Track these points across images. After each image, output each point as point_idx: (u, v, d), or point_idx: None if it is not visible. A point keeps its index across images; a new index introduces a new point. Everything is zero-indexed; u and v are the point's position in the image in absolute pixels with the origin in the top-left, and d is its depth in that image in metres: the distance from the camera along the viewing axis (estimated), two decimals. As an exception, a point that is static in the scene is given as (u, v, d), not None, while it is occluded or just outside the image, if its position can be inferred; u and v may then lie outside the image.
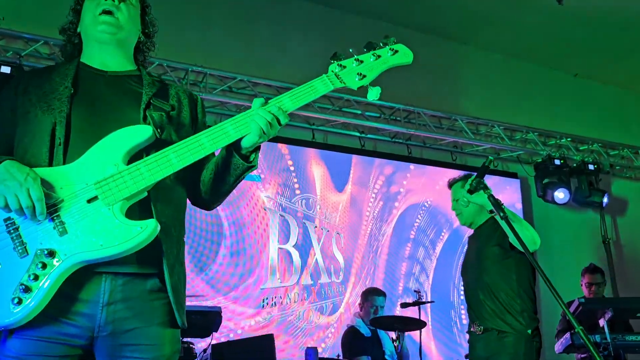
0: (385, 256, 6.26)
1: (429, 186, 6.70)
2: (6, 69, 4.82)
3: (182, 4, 5.90)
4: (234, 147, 1.81)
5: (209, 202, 1.96)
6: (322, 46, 6.50)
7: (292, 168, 6.00)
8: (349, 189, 6.24)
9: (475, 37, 7.32)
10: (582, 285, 5.70)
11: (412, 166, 6.71)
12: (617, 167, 7.88)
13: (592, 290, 5.60)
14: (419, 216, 6.56)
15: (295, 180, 5.99)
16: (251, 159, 1.83)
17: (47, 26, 5.11)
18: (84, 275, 1.62)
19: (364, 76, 1.88)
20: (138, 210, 1.70)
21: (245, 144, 1.79)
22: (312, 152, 6.16)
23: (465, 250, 3.87)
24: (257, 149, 1.84)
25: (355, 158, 6.41)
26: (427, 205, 6.62)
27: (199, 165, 1.85)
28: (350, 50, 1.92)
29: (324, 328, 5.71)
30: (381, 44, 1.93)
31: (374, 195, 6.38)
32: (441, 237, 6.62)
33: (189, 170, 1.81)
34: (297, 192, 5.96)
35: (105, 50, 1.91)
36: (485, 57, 7.56)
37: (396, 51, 1.92)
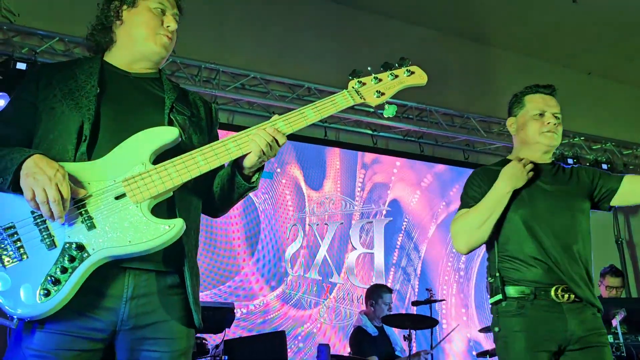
0: (374, 250, 6.28)
1: (416, 179, 6.70)
2: (22, 66, 4.87)
3: (196, 1, 5.92)
4: (237, 166, 1.84)
5: (216, 210, 2.02)
6: (334, 44, 6.52)
7: (276, 167, 6.03)
8: (328, 185, 6.23)
9: (489, 35, 7.29)
10: (600, 285, 5.63)
11: (398, 162, 6.68)
12: (631, 167, 7.83)
13: (612, 294, 5.54)
14: (407, 214, 6.56)
15: (283, 180, 6.01)
16: (253, 180, 1.87)
17: (62, 23, 5.16)
18: (107, 270, 1.64)
19: (383, 94, 1.95)
20: (167, 212, 1.73)
21: (247, 163, 1.82)
22: (290, 149, 6.13)
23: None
24: (260, 169, 1.87)
25: (334, 152, 6.38)
26: (413, 204, 6.60)
27: (212, 174, 1.89)
28: (369, 68, 1.99)
29: (311, 320, 5.75)
30: (397, 65, 2.00)
31: (359, 186, 6.38)
32: (428, 233, 6.61)
33: (205, 178, 1.84)
34: (285, 187, 6.00)
35: (142, 61, 1.95)
36: (499, 55, 7.53)
37: (412, 72, 2.00)
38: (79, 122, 1.73)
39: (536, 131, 2.67)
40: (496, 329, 2.44)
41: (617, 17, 6.73)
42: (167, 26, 1.94)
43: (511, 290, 2.42)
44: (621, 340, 4.21)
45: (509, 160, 2.67)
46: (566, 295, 2.39)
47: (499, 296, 2.43)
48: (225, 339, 4.23)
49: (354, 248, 6.17)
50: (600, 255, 6.73)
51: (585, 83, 7.98)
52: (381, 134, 6.63)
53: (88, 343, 1.64)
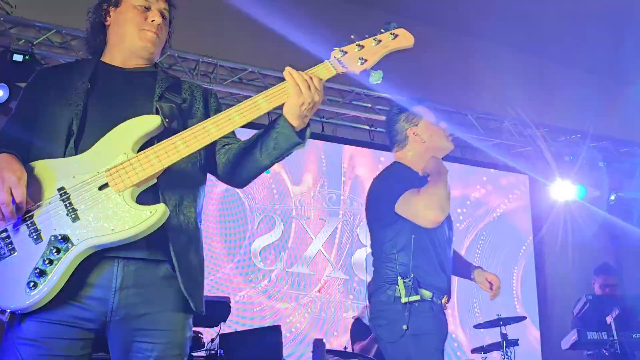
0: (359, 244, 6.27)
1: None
2: (18, 57, 4.85)
3: (194, -6, 5.90)
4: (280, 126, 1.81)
5: (242, 181, 1.97)
6: (333, 39, 6.50)
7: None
8: (310, 179, 6.19)
9: (487, 31, 7.28)
10: (594, 284, 5.52)
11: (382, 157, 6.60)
12: (627, 165, 7.83)
13: (606, 292, 5.47)
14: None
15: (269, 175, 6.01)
16: (302, 135, 1.81)
17: (60, 15, 5.13)
18: (96, 260, 1.67)
19: (366, 60, 1.89)
20: (152, 198, 1.74)
21: (287, 110, 1.80)
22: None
23: None
24: (307, 125, 1.84)
25: (318, 146, 6.34)
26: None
27: (226, 148, 1.92)
28: (352, 36, 1.93)
29: (297, 314, 5.76)
30: (382, 30, 1.93)
31: (344, 180, 6.35)
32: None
33: (213, 155, 1.89)
34: (270, 180, 6.00)
35: (134, 58, 1.98)
36: (496, 51, 7.51)
37: (397, 35, 1.92)
38: (69, 119, 1.77)
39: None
40: (404, 327, 2.47)
41: (616, 15, 6.72)
42: (152, 20, 1.95)
43: (426, 293, 2.53)
44: (615, 337, 4.24)
45: (401, 164, 2.82)
46: (447, 304, 2.64)
47: (418, 297, 2.49)
48: (220, 332, 4.23)
49: (363, 245, 6.16)
50: (596, 253, 6.75)
51: (584, 81, 7.97)
52: (378, 129, 6.62)
53: (78, 332, 1.66)
